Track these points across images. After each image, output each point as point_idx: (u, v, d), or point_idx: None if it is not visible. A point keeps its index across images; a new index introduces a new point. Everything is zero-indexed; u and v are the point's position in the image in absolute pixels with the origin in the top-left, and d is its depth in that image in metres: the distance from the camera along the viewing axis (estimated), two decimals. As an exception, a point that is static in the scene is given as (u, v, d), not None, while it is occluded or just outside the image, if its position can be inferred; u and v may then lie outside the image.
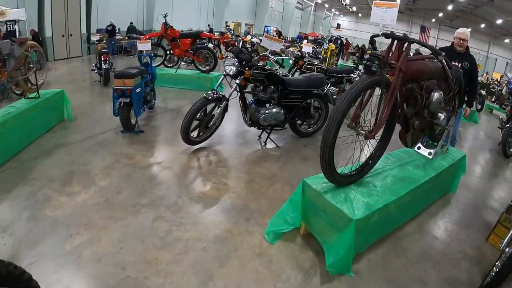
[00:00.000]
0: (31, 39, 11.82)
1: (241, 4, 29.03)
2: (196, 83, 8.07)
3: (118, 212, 3.11)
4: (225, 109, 4.53)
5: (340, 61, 14.47)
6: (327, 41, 14.06)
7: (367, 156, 3.12)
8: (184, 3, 21.36)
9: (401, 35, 2.58)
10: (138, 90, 4.90)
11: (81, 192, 3.40)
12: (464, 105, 4.45)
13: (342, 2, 35.93)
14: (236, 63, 4.36)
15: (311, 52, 9.06)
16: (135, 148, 4.65)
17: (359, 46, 25.20)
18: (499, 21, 26.88)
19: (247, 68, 4.36)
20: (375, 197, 2.73)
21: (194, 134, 4.58)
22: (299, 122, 5.38)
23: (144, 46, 5.61)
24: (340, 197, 2.64)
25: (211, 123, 4.53)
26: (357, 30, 41.47)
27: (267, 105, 4.78)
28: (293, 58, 7.28)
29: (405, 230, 3.24)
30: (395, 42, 2.54)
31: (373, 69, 2.43)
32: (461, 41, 4.24)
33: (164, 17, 8.49)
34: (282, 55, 13.22)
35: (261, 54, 5.09)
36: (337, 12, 44.24)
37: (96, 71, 8.37)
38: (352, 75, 7.25)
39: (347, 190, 2.78)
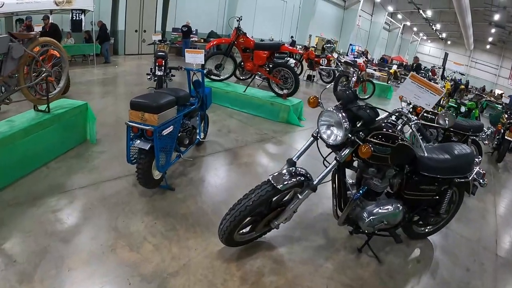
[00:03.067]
0: (97, 31, 11.65)
1: (327, 19, 26.95)
2: (269, 111, 6.10)
3: None
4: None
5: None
6: (442, 78, 11.26)
7: None
8: (268, 10, 19.89)
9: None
10: (168, 130, 3.04)
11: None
12: None
13: (433, 27, 32.24)
14: (345, 124, 2.16)
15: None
16: (149, 225, 2.78)
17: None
18: None
19: (363, 135, 2.19)
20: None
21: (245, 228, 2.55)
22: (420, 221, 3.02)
23: (194, 57, 3.76)
24: None
25: (276, 222, 2.48)
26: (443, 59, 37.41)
27: (379, 197, 2.59)
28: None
29: None
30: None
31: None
32: None
33: (237, 20, 6.71)
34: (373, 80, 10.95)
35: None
36: (424, 37, 40.47)
37: (150, 77, 6.88)
38: (482, 133, 4.76)
39: None
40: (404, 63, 25.89)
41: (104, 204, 3.01)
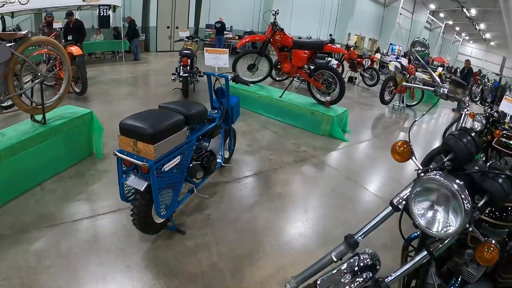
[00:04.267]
0: (126, 27, 11.13)
1: (367, 17, 25.34)
2: (308, 121, 5.17)
3: None
4: None
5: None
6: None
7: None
8: (306, 7, 18.81)
9: None
10: (172, 163, 2.19)
11: None
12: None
13: (476, 26, 29.65)
14: (466, 204, 1.07)
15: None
16: (146, 286, 2.03)
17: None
18: None
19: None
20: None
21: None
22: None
23: (215, 59, 2.90)
24: None
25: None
26: (486, 61, 34.29)
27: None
28: (483, 119, 3.67)
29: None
30: None
31: None
32: None
33: (273, 14, 5.83)
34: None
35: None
36: (467, 37, 37.61)
37: (175, 77, 6.19)
38: None
39: None
40: (446, 65, 23.97)
41: (95, 250, 2.31)
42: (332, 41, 17.67)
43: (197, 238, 2.51)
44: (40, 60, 3.81)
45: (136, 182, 2.01)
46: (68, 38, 6.94)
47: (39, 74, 3.06)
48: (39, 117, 3.15)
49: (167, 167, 2.07)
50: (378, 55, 12.80)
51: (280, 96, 5.59)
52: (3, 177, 2.68)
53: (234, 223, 2.74)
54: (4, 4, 6.90)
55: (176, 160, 2.18)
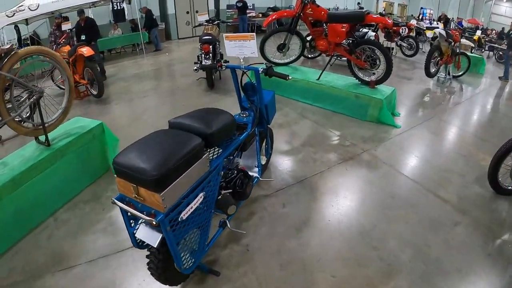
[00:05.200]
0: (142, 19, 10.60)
1: (395, -21, 23.29)
2: (353, 106, 4.42)
3: None
4: None
5: None
6: None
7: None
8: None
9: None
10: (191, 208, 1.58)
11: None
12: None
13: None
14: None
15: None
16: None
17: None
18: None
19: None
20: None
21: None
22: None
23: (240, 47, 2.22)
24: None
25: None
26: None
27: None
28: None
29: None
30: None
31: None
32: None
33: None
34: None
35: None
36: None
37: (197, 67, 5.56)
38: None
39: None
40: (480, 27, 21.64)
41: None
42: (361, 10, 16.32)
43: (235, 281, 1.99)
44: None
45: (148, 236, 1.48)
46: (82, 38, 6.55)
47: (36, 89, 2.59)
48: (43, 138, 2.74)
49: (185, 214, 1.51)
50: (414, 22, 11.52)
51: (318, 79, 4.85)
52: (7, 216, 2.30)
53: (279, 255, 2.19)
54: (14, 14, 6.60)
55: (198, 199, 1.62)
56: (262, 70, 2.28)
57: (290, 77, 2.17)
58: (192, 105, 4.58)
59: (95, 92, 5.37)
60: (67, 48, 5.67)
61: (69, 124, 3.07)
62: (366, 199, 2.80)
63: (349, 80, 4.82)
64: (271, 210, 2.61)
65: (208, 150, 1.80)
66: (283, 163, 3.29)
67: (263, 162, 2.86)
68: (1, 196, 2.28)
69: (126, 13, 8.86)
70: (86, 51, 5.08)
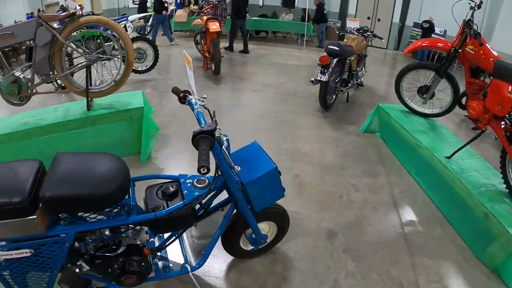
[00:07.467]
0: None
1: None
2: (473, 225, 2.42)
3: None
4: None
5: None
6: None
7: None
8: None
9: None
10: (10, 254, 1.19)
11: None
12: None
13: None
14: None
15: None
16: None
17: None
18: None
19: None
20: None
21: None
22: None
23: None
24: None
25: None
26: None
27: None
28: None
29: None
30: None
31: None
32: None
33: (470, 4, 3.18)
34: None
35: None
36: None
37: (313, 80, 4.82)
38: None
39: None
40: None
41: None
42: None
43: None
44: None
45: None
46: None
47: (86, 58, 2.71)
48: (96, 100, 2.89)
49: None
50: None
51: (449, 157, 2.93)
52: (32, 155, 2.54)
53: None
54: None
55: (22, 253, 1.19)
56: None
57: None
58: (287, 124, 4.06)
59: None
60: (207, 17, 5.88)
61: (125, 96, 3.18)
62: None
63: (494, 178, 2.66)
64: None
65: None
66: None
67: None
68: (30, 135, 2.60)
69: (296, 0, 8.72)
70: (214, 26, 5.21)
